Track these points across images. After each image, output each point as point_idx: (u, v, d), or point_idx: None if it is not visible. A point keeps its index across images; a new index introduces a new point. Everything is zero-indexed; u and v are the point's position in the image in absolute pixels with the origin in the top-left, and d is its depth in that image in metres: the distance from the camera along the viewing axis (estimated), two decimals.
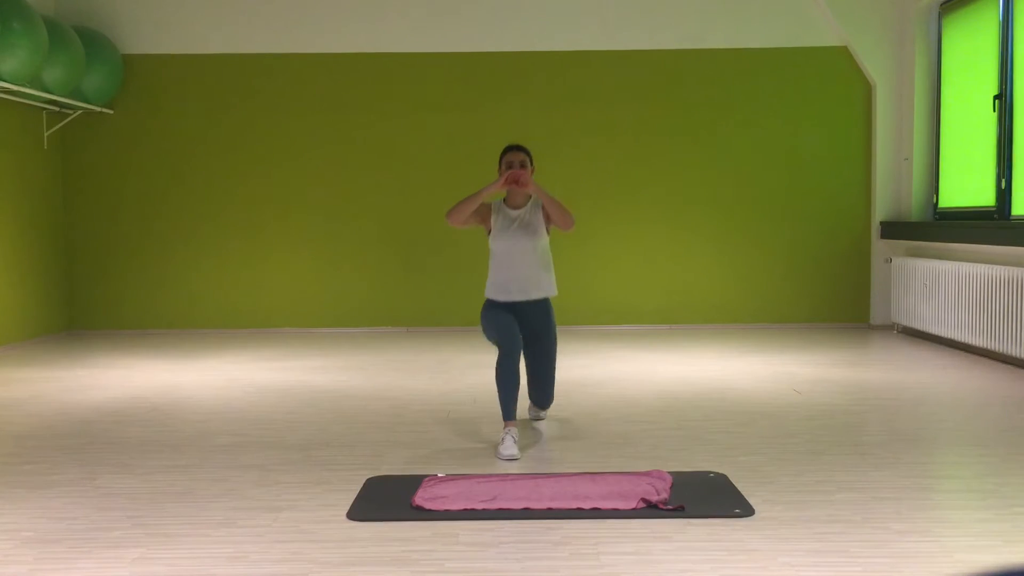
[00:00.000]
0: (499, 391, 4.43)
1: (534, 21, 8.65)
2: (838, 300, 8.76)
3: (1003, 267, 6.56)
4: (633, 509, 3.40)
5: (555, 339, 4.72)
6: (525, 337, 4.61)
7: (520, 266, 4.58)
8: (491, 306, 4.63)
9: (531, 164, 4.61)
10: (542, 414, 4.96)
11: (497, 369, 4.44)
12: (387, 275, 8.78)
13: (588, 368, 6.59)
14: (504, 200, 4.68)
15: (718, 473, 3.88)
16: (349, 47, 8.67)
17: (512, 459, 4.18)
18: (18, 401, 5.61)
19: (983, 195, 7.38)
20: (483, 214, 4.62)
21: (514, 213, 4.61)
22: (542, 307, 4.68)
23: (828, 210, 8.74)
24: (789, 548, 3.04)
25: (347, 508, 3.47)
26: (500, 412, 4.51)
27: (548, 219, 4.63)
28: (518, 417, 4.82)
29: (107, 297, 8.80)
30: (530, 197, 4.64)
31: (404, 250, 8.78)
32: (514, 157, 4.57)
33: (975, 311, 6.90)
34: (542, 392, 4.76)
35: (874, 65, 8.54)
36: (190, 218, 8.77)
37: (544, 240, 4.62)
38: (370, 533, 3.21)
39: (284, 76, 8.70)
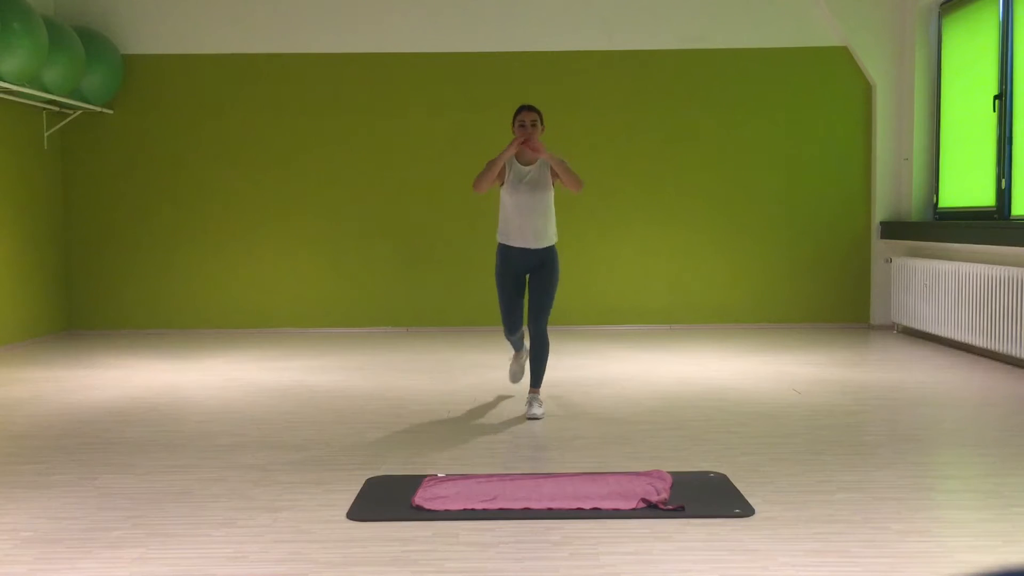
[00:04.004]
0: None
1: (534, 21, 8.65)
2: (838, 300, 8.76)
3: (1003, 267, 6.56)
4: (633, 509, 3.40)
5: (555, 280, 5.12)
6: (530, 276, 5.13)
7: (527, 218, 5.03)
8: (502, 258, 5.13)
9: (541, 123, 5.06)
10: (538, 413, 4.97)
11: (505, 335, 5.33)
12: (387, 275, 8.78)
13: (588, 368, 6.59)
14: (516, 156, 5.07)
15: (718, 473, 3.88)
16: (349, 47, 8.67)
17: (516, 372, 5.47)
18: (18, 401, 5.61)
19: (983, 195, 7.38)
20: (500, 171, 5.03)
21: (524, 170, 5.04)
22: (546, 253, 5.10)
23: (828, 210, 8.74)
24: (789, 548, 3.04)
25: (347, 508, 3.47)
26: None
27: (555, 175, 5.06)
28: (513, 416, 5.00)
29: (107, 297, 8.80)
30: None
31: (404, 250, 8.77)
32: (526, 116, 5.00)
33: (975, 311, 6.90)
34: (534, 321, 5.08)
35: (874, 65, 8.54)
36: (190, 218, 8.77)
37: (550, 195, 5.08)
38: (370, 533, 3.21)
39: (284, 76, 8.70)
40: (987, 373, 6.27)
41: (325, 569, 2.90)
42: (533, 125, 4.98)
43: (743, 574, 2.84)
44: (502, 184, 5.07)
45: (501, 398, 5.53)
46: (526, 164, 5.04)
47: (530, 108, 5.03)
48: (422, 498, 3.51)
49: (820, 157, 8.73)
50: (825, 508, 3.43)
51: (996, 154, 7.16)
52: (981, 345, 6.83)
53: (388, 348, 7.69)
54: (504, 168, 5.03)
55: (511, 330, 5.23)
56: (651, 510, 3.39)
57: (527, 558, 2.97)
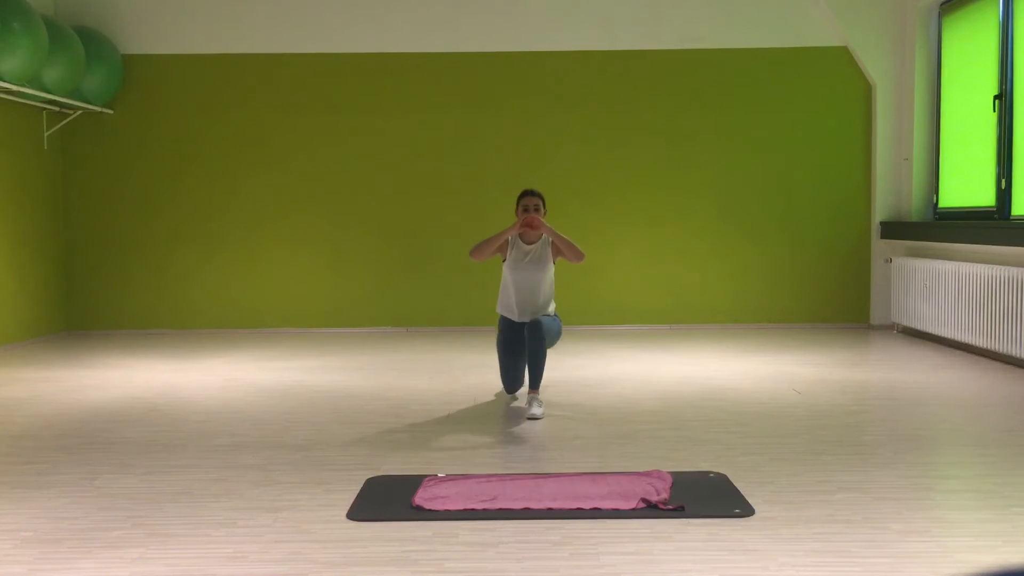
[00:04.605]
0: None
1: (534, 21, 8.65)
2: (838, 300, 8.76)
3: (1003, 267, 6.56)
4: (633, 509, 3.40)
5: (556, 324, 5.33)
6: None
7: (527, 294, 5.33)
8: (502, 327, 5.41)
9: (543, 206, 5.38)
10: (538, 413, 4.97)
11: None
12: (387, 275, 8.78)
13: (588, 368, 6.59)
14: (520, 236, 5.39)
15: (718, 473, 3.88)
16: (349, 47, 8.67)
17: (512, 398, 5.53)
18: (18, 401, 5.61)
19: (983, 195, 7.38)
20: (502, 245, 5.36)
21: (527, 248, 5.36)
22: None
23: (828, 210, 8.73)
24: (789, 548, 3.04)
25: (347, 508, 3.47)
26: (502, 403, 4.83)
27: (556, 252, 5.34)
28: (513, 416, 5.04)
29: (107, 297, 8.80)
30: (542, 235, 5.35)
31: (404, 250, 8.78)
32: (528, 201, 5.34)
33: (975, 311, 6.90)
34: (532, 326, 5.17)
35: (874, 65, 8.54)
36: (190, 218, 8.77)
37: (550, 273, 5.38)
38: (370, 533, 3.21)
39: (284, 76, 8.70)
40: (987, 373, 6.27)
41: (325, 569, 2.90)
42: (536, 209, 5.31)
43: (743, 574, 2.84)
44: (504, 260, 5.38)
45: (501, 398, 5.54)
46: (529, 244, 5.36)
47: (533, 193, 5.37)
48: (422, 498, 3.51)
49: (820, 157, 8.73)
50: (825, 508, 3.43)
51: (996, 154, 7.16)
52: (981, 345, 6.83)
53: (388, 348, 7.69)
54: (507, 245, 5.35)
55: (508, 390, 5.50)
56: (651, 510, 3.39)
57: (527, 558, 2.97)
